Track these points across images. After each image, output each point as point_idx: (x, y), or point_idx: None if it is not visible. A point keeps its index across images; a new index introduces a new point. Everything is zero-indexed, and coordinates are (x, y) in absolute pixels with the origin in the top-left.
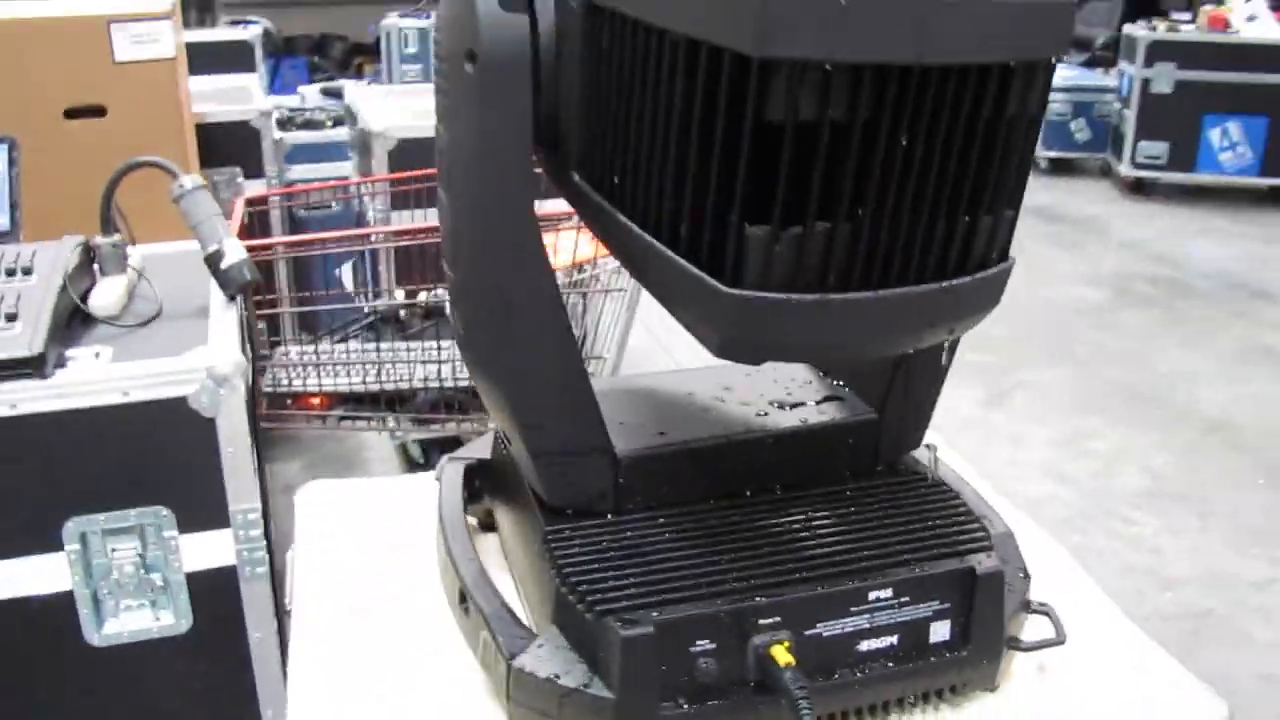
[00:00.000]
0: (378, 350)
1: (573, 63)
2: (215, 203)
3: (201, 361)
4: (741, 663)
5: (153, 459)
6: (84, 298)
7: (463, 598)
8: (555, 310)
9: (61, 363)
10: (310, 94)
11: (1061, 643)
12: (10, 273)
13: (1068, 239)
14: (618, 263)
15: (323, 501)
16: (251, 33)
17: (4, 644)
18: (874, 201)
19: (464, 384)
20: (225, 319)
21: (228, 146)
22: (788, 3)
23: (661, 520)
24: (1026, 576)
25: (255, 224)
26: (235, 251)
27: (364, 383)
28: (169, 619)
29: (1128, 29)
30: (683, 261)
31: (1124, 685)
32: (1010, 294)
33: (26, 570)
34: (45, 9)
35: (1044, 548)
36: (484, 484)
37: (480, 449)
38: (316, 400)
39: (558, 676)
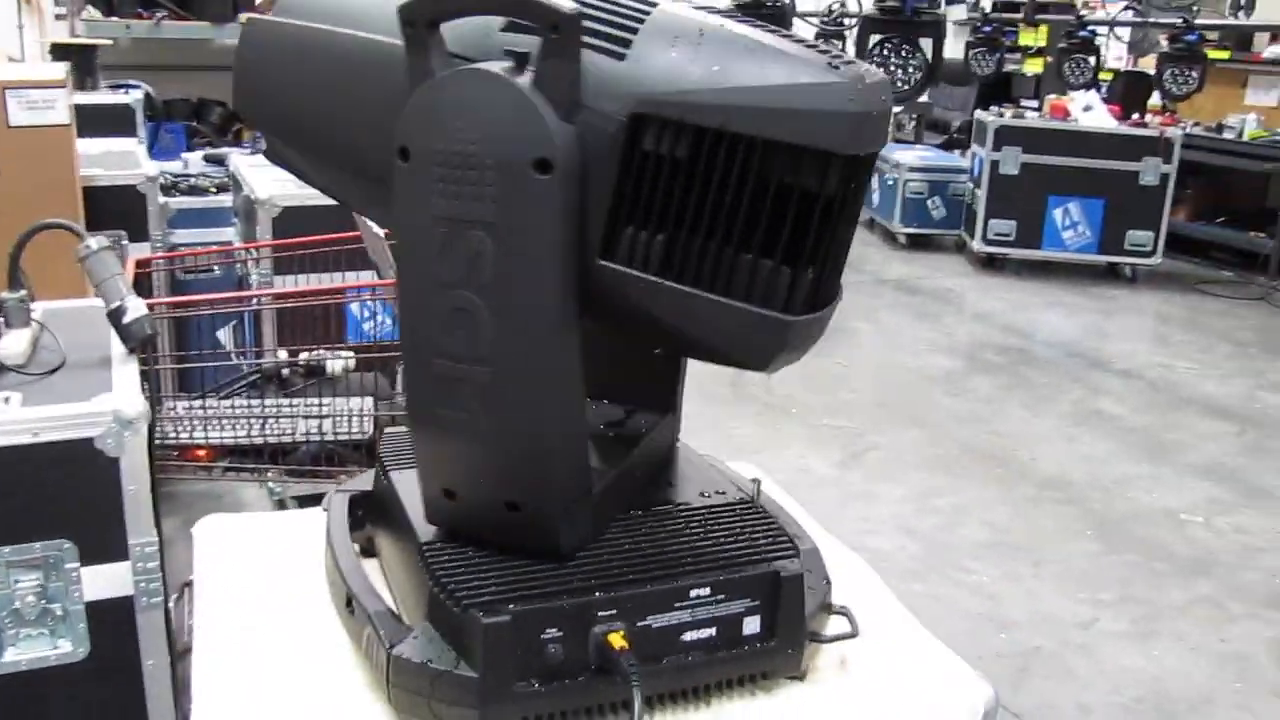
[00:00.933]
0: (263, 405)
1: (604, 163)
2: (118, 263)
3: (109, 406)
4: (584, 648)
5: (58, 496)
6: None
7: (348, 601)
8: (582, 387)
9: None
10: (194, 160)
11: (855, 636)
12: None
13: (925, 310)
14: None
15: (219, 534)
16: (133, 97)
17: None
18: (837, 249)
19: (344, 438)
20: (127, 369)
21: (114, 210)
22: (861, 119)
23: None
24: (828, 583)
25: (139, 286)
26: (137, 308)
27: (249, 436)
28: (67, 646)
29: (979, 115)
30: (742, 303)
31: (910, 674)
32: (870, 361)
33: None
34: None
35: (849, 563)
36: (366, 512)
37: (363, 483)
38: (202, 453)
39: (430, 661)
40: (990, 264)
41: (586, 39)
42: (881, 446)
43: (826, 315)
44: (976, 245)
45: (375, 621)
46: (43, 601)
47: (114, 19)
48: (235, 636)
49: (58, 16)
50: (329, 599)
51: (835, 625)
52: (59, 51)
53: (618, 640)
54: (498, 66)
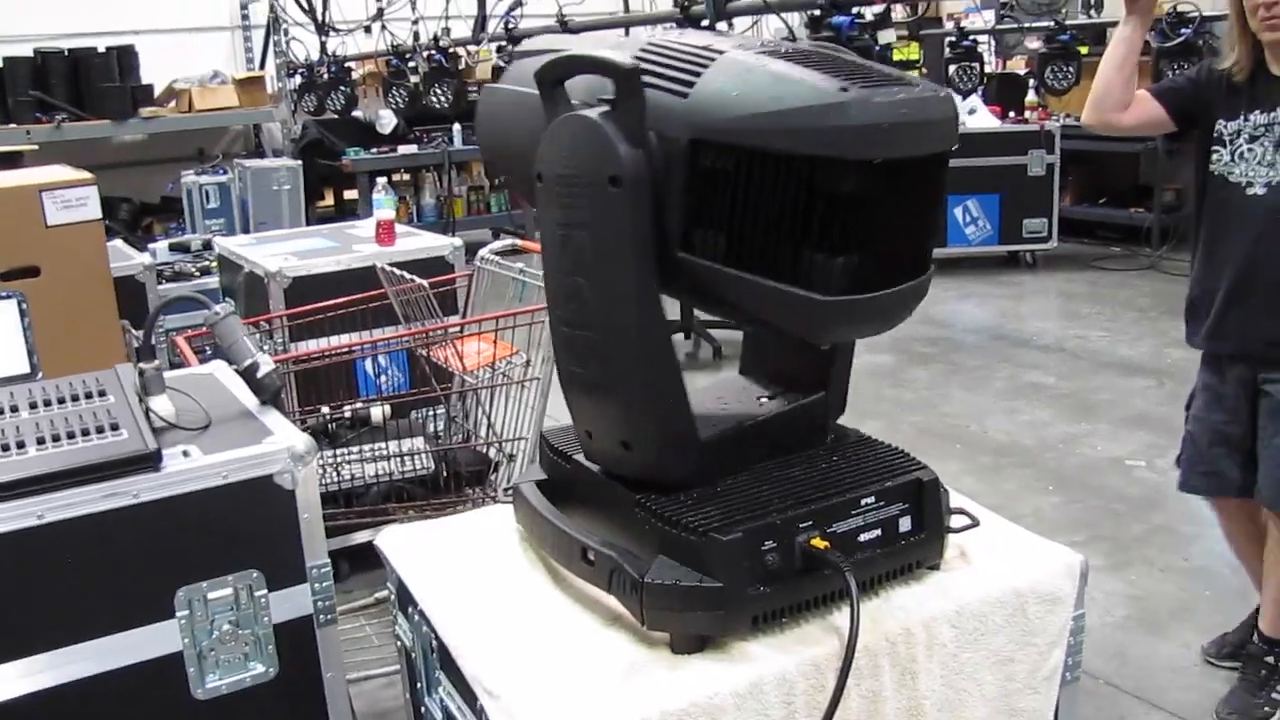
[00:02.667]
0: (334, 455)
1: (676, 178)
2: (243, 326)
3: (283, 444)
4: (792, 555)
5: (244, 530)
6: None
7: (584, 554)
8: (669, 349)
9: (161, 458)
10: (161, 250)
11: (978, 525)
12: (87, 395)
13: None
14: (527, 358)
15: (402, 542)
16: None
17: (122, 703)
18: (881, 238)
19: (409, 474)
20: (272, 416)
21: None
22: (862, 130)
23: (718, 484)
24: (946, 491)
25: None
26: (267, 364)
27: (324, 485)
28: (259, 668)
29: None
30: (788, 287)
31: (1016, 554)
32: None
33: (145, 637)
34: None
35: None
36: (549, 495)
37: (534, 474)
38: None
39: (680, 581)
40: None
41: (659, 82)
42: None
43: (881, 297)
44: None
45: (622, 561)
46: (237, 629)
47: (12, 126)
48: (474, 619)
49: None
50: (531, 571)
51: (958, 521)
52: None
53: (819, 542)
54: (592, 110)
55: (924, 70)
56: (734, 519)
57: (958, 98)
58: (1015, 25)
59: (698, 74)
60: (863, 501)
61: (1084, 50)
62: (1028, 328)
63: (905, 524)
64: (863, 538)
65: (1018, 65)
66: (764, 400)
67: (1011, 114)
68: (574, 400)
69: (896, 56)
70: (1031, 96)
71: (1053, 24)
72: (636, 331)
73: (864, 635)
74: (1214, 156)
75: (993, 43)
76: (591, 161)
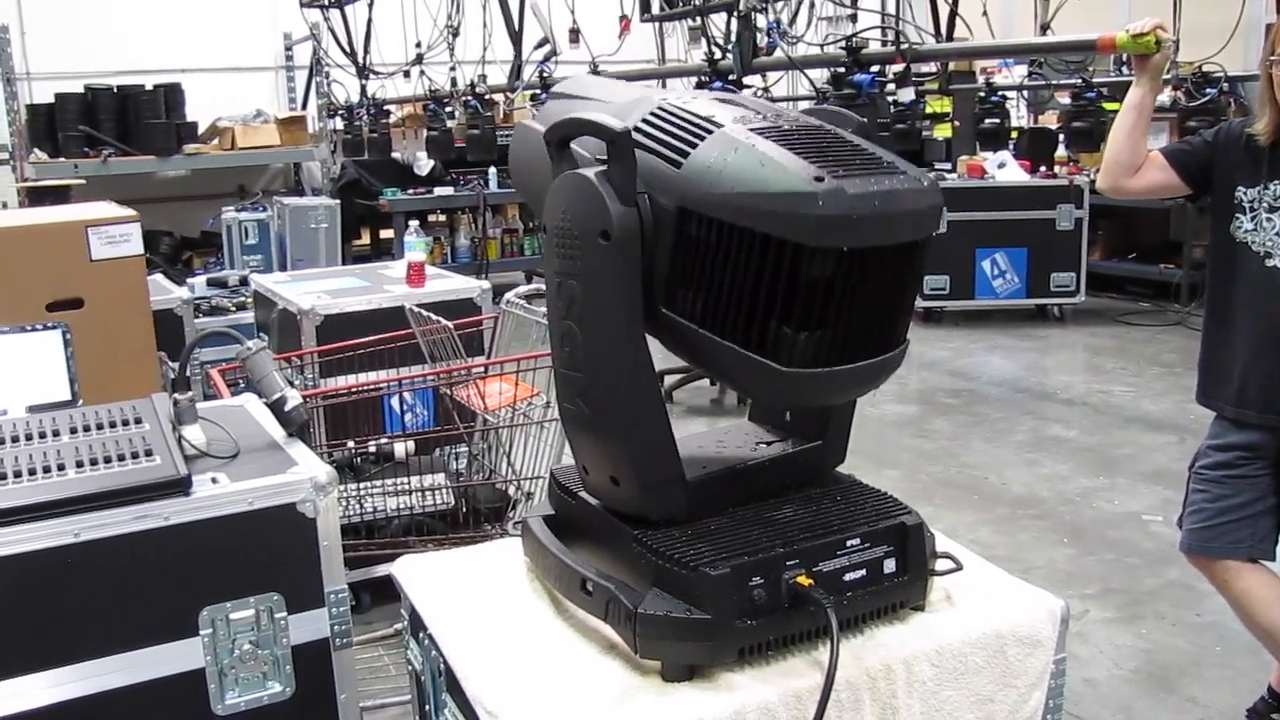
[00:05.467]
0: (358, 489)
1: (665, 239)
2: (273, 361)
3: (306, 474)
4: (778, 591)
5: (267, 555)
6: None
7: (583, 585)
8: (654, 393)
9: (191, 484)
10: (199, 285)
11: (961, 569)
12: (124, 423)
13: None
14: (547, 399)
15: (416, 572)
16: None
17: (146, 716)
18: (848, 317)
19: (430, 509)
20: (297, 448)
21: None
22: (830, 219)
23: (712, 522)
24: (932, 535)
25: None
26: (294, 398)
27: (347, 517)
28: (277, 687)
29: None
30: (754, 355)
31: (999, 597)
32: None
33: (169, 653)
34: (32, 217)
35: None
36: (555, 529)
37: (542, 510)
38: None
39: (670, 612)
40: (929, 317)
41: (657, 148)
42: None
43: (844, 372)
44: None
45: (618, 593)
46: (257, 648)
47: (61, 160)
48: (480, 644)
49: (1, 161)
50: (537, 601)
51: (942, 564)
52: (35, 194)
53: (805, 580)
54: (589, 169)
55: (956, 124)
56: (723, 555)
57: (988, 152)
58: (1044, 82)
59: (693, 145)
60: (848, 543)
61: (1113, 106)
62: (1052, 381)
63: (890, 565)
64: (848, 577)
65: (1049, 120)
66: (762, 445)
67: (1042, 168)
68: (571, 436)
69: (930, 109)
70: (1062, 151)
71: (1080, 81)
72: (622, 375)
73: (846, 670)
74: (1235, 222)
75: (1020, 99)
76: (585, 216)
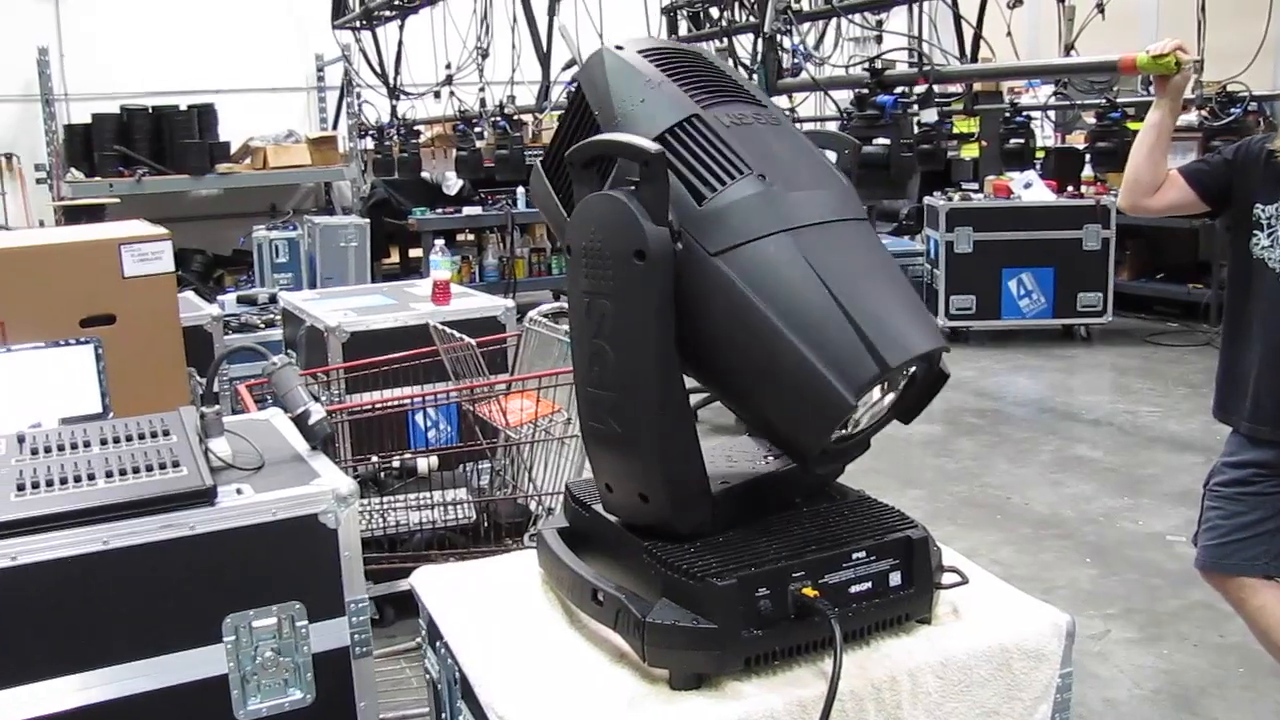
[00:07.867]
0: (381, 502)
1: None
2: (299, 377)
3: (328, 486)
4: (785, 602)
5: (289, 564)
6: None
7: (594, 595)
8: (686, 411)
9: (216, 494)
10: (229, 302)
11: (967, 583)
12: (153, 435)
13: None
14: (568, 415)
15: (435, 581)
16: None
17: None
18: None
19: (451, 523)
20: (320, 461)
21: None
22: None
23: (720, 534)
24: (939, 549)
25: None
26: (318, 412)
27: (370, 530)
28: (297, 694)
29: (928, 200)
30: None
31: (1005, 611)
32: None
33: (194, 659)
34: (67, 235)
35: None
36: (569, 541)
37: (557, 522)
38: None
39: (678, 622)
40: (955, 337)
41: (687, 174)
42: None
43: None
44: (940, 321)
45: (628, 602)
46: (279, 656)
47: (97, 179)
48: (494, 652)
49: (38, 180)
50: (550, 611)
51: (948, 578)
52: (71, 213)
53: (810, 591)
54: (619, 190)
55: (983, 144)
56: (731, 567)
57: (1013, 172)
58: (1068, 102)
59: (724, 182)
60: (854, 555)
61: (1138, 126)
62: (1078, 401)
63: (895, 578)
64: (854, 589)
65: (1076, 140)
66: (768, 459)
67: (1069, 188)
68: (595, 455)
69: (956, 129)
70: (1088, 171)
71: (1104, 101)
72: (656, 394)
73: (851, 681)
74: (1253, 239)
75: (1045, 119)
76: (617, 237)
